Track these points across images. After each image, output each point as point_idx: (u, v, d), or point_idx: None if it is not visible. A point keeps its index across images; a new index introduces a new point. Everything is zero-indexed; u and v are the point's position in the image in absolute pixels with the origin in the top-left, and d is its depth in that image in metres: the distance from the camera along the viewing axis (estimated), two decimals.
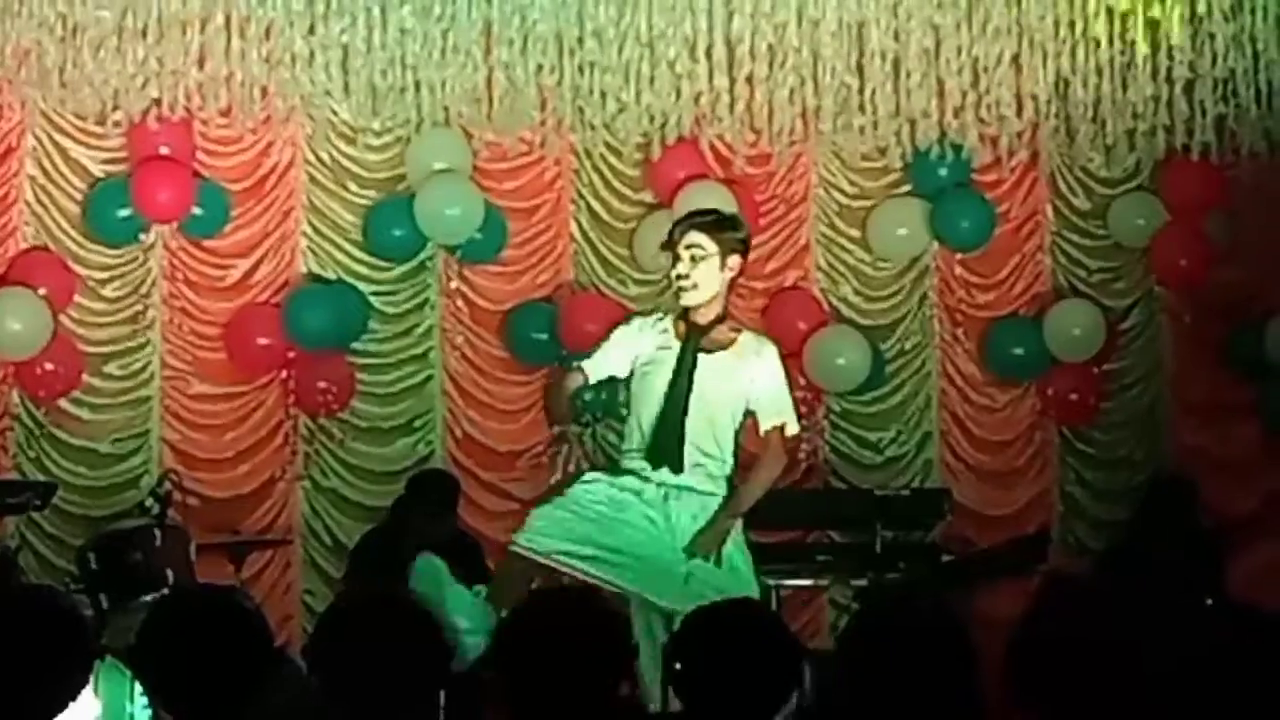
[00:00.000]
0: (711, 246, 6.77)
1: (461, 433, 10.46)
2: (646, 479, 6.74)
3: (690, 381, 6.73)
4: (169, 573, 8.10)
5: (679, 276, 6.77)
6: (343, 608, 4.51)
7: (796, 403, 7.05)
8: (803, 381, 10.68)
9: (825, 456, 10.86)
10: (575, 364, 7.05)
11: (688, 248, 6.77)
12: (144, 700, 5.01)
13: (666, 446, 6.73)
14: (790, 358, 10.57)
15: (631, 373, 6.88)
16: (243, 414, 10.24)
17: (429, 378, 10.52)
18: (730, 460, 6.80)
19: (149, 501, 8.63)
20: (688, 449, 6.73)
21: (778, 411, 6.85)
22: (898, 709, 4.16)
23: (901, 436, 10.98)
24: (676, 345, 6.79)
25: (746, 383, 6.80)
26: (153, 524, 8.40)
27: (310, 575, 10.20)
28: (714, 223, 6.90)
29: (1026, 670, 4.17)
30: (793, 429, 6.92)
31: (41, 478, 9.69)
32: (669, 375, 6.76)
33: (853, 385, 10.84)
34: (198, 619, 4.24)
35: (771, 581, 9.38)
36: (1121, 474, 11.08)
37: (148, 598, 7.68)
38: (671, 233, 6.86)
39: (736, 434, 6.82)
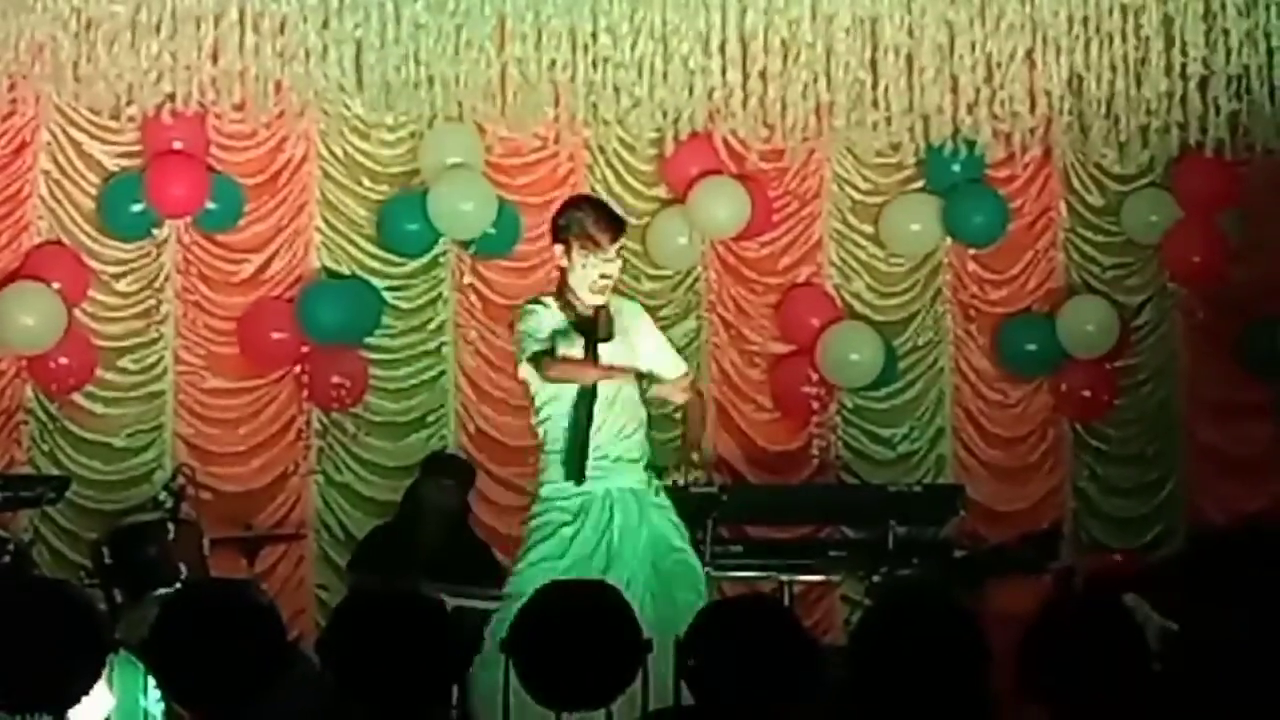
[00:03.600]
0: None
1: (474, 428, 10.47)
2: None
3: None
4: (182, 567, 8.15)
5: (606, 276, 6.92)
6: (356, 602, 4.53)
7: None
8: (815, 377, 10.71)
9: (838, 452, 10.87)
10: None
11: (622, 248, 7.02)
12: (157, 694, 5.04)
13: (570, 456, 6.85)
14: (803, 354, 10.68)
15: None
16: (256, 408, 10.26)
17: (442, 372, 10.53)
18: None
19: (162, 496, 8.68)
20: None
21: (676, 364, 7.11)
22: (910, 703, 4.21)
23: (914, 432, 10.98)
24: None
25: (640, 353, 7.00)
26: (166, 518, 8.45)
27: (323, 570, 10.20)
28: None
29: (1039, 665, 4.19)
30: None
31: (55, 472, 9.70)
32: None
33: (866, 381, 10.84)
34: (211, 613, 4.27)
35: (784, 577, 9.41)
36: (1134, 470, 11.09)
37: (161, 592, 7.72)
38: (617, 225, 6.98)
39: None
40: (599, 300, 6.93)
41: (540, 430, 6.97)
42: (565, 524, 6.77)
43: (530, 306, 6.97)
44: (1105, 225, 11.15)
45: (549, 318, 6.91)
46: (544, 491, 6.91)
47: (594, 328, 6.89)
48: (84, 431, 10.02)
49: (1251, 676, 4.15)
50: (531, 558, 6.76)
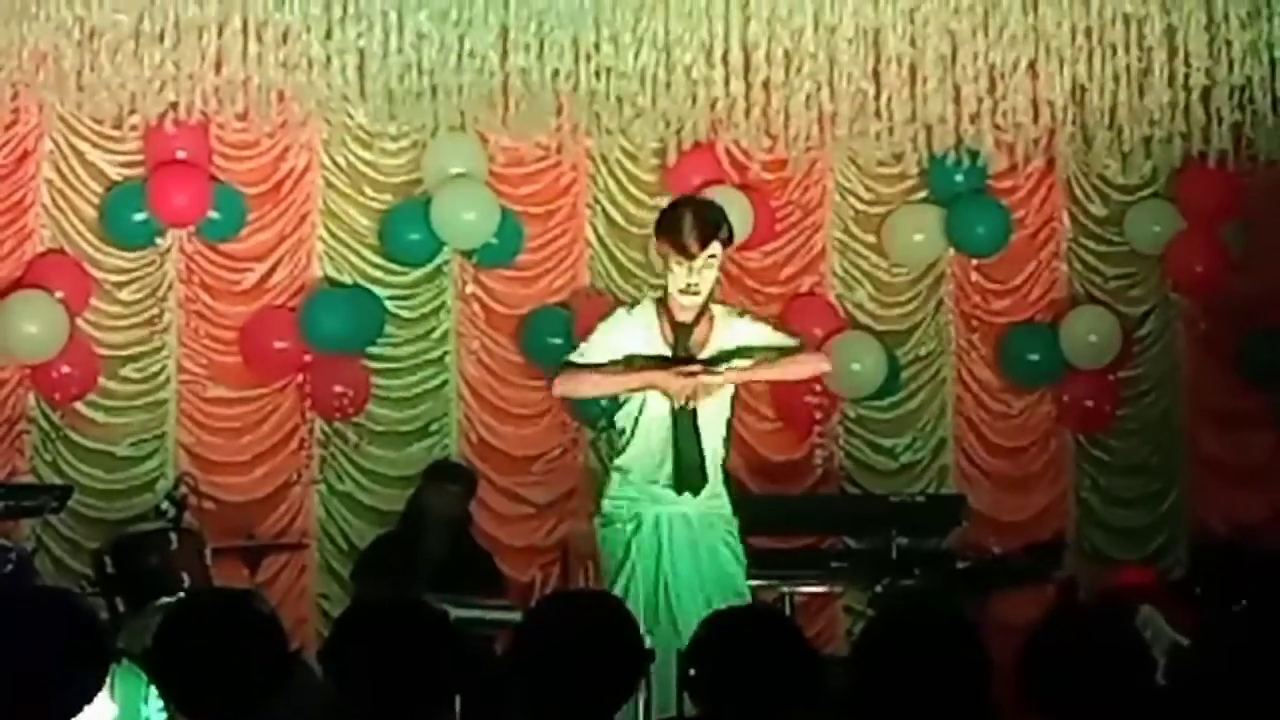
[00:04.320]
0: (721, 254, 6.77)
1: (477, 437, 10.45)
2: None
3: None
4: (184, 576, 8.11)
5: (692, 285, 6.66)
6: (359, 612, 4.52)
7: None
8: (818, 388, 10.70)
9: (840, 462, 10.85)
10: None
11: (710, 257, 6.69)
12: (159, 703, 5.04)
13: (691, 472, 6.76)
14: None
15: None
16: (259, 418, 10.23)
17: (445, 382, 10.51)
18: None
19: (165, 505, 8.65)
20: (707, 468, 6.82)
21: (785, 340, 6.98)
22: (912, 714, 4.19)
23: (917, 443, 10.96)
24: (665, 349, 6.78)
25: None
26: (168, 527, 8.42)
27: (325, 579, 10.18)
28: (730, 234, 6.86)
29: (1040, 675, 4.18)
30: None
31: (57, 480, 9.67)
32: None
33: (868, 391, 10.82)
34: (214, 623, 4.26)
35: (786, 587, 9.40)
36: (1137, 481, 11.08)
37: (163, 601, 7.70)
38: (689, 240, 6.66)
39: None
40: (689, 304, 6.72)
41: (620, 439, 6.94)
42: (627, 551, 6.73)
43: (616, 315, 6.91)
44: (1108, 235, 11.14)
45: (630, 333, 6.81)
46: (605, 507, 6.88)
47: (687, 338, 6.75)
48: (86, 440, 10.00)
49: (1254, 695, 4.13)
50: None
